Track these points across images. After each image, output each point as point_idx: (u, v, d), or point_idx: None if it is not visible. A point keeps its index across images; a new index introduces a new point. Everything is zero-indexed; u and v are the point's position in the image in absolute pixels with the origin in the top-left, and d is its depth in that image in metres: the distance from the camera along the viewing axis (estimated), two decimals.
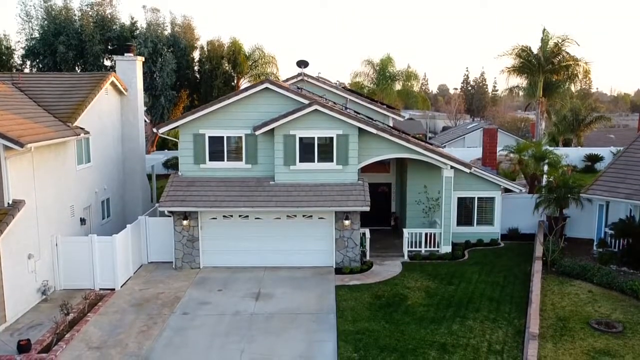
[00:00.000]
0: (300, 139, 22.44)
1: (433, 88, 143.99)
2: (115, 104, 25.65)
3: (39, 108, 21.31)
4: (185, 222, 21.76)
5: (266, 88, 22.57)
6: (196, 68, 45.66)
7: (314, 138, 22.49)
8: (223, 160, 22.94)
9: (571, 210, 24.94)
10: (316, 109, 22.06)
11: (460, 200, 24.93)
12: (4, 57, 40.37)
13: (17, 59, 41.61)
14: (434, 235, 23.80)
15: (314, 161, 22.58)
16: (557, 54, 40.05)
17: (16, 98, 21.18)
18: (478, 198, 25.07)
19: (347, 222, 21.73)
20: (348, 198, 21.78)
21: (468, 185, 24.63)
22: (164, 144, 50.77)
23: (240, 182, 22.60)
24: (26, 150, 17.26)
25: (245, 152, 22.90)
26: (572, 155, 44.63)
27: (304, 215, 22.11)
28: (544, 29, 39.89)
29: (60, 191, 20.34)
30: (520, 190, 25.99)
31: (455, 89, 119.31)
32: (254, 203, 21.59)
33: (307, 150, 22.54)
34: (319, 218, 22.14)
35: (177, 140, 24.00)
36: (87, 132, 21.93)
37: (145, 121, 31.74)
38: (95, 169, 23.41)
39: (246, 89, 23.01)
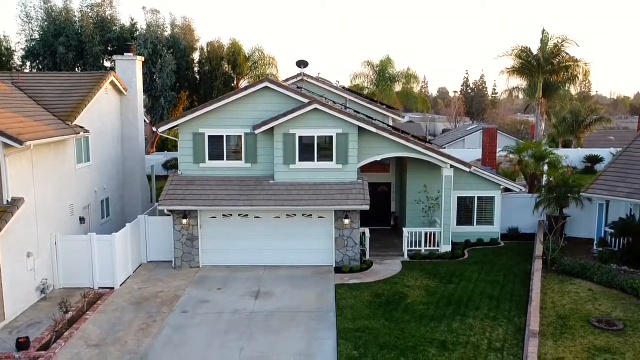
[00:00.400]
0: (300, 138, 22.43)
1: (433, 91, 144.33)
2: (115, 103, 25.65)
3: (38, 107, 21.31)
4: (184, 221, 21.73)
5: (266, 87, 22.60)
6: (196, 69, 45.66)
7: (313, 137, 22.48)
8: (223, 160, 22.93)
9: (571, 210, 24.91)
10: (316, 108, 22.06)
11: (460, 199, 24.91)
12: (4, 59, 40.38)
13: (17, 60, 41.66)
14: (434, 234, 23.77)
15: (313, 160, 22.56)
16: (557, 54, 40.05)
17: (16, 97, 21.17)
18: (478, 198, 25.04)
19: (347, 221, 21.70)
20: (348, 197, 21.75)
21: (468, 184, 24.62)
22: (163, 146, 50.77)
23: (239, 181, 22.58)
24: (25, 148, 17.27)
25: (245, 151, 22.89)
26: (572, 156, 44.64)
27: (303, 215, 22.08)
28: (544, 30, 39.93)
29: (59, 190, 20.32)
30: (520, 189, 25.99)
31: (455, 92, 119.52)
32: (253, 202, 21.56)
33: (306, 149, 22.53)
34: (319, 217, 22.10)
35: (176, 139, 24.00)
36: (87, 131, 21.94)
37: (145, 121, 31.72)
38: (94, 168, 23.39)
39: (246, 88, 23.04)
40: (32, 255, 18.27)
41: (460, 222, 25.05)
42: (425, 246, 23.67)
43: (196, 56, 45.54)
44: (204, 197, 21.81)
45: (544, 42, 40.00)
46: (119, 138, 26.08)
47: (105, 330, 16.62)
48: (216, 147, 22.89)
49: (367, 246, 22.83)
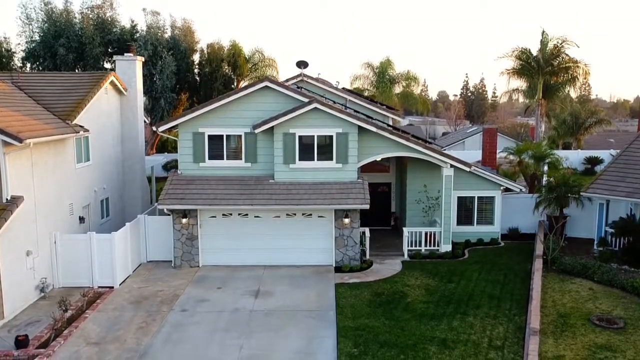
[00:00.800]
0: (300, 137, 22.42)
1: (433, 94, 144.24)
2: (115, 103, 25.66)
3: (38, 106, 21.30)
4: (184, 221, 21.70)
5: (266, 87, 22.60)
6: (196, 71, 45.64)
7: (313, 136, 22.47)
8: (222, 159, 22.91)
9: (571, 210, 24.89)
10: (316, 107, 22.06)
11: (460, 199, 24.88)
12: (4, 60, 40.41)
13: (17, 61, 41.68)
14: (434, 234, 23.74)
15: (313, 159, 22.54)
16: (557, 55, 40.05)
17: (15, 96, 21.16)
18: (478, 197, 25.01)
19: (346, 221, 21.67)
20: (348, 196, 21.72)
21: (468, 184, 24.60)
22: (163, 147, 50.78)
23: (239, 180, 22.56)
24: (25, 146, 17.25)
25: (244, 151, 22.88)
26: (572, 157, 44.62)
27: (303, 214, 22.05)
28: (543, 31, 39.97)
29: (59, 189, 20.29)
30: (520, 189, 25.96)
31: (455, 95, 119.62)
32: (253, 201, 21.54)
33: (306, 148, 22.52)
34: (319, 216, 22.07)
35: (176, 139, 23.98)
36: (87, 130, 21.93)
37: (145, 122, 31.72)
38: (94, 167, 23.37)
39: (246, 88, 23.05)
40: (31, 253, 18.23)
41: (460, 221, 25.03)
42: (425, 246, 23.63)
43: (196, 58, 45.55)
44: (204, 196, 21.78)
45: (543, 43, 40.01)
46: (119, 138, 26.07)
47: (104, 328, 16.57)
48: (216, 146, 22.87)
49: (367, 246, 22.79)
